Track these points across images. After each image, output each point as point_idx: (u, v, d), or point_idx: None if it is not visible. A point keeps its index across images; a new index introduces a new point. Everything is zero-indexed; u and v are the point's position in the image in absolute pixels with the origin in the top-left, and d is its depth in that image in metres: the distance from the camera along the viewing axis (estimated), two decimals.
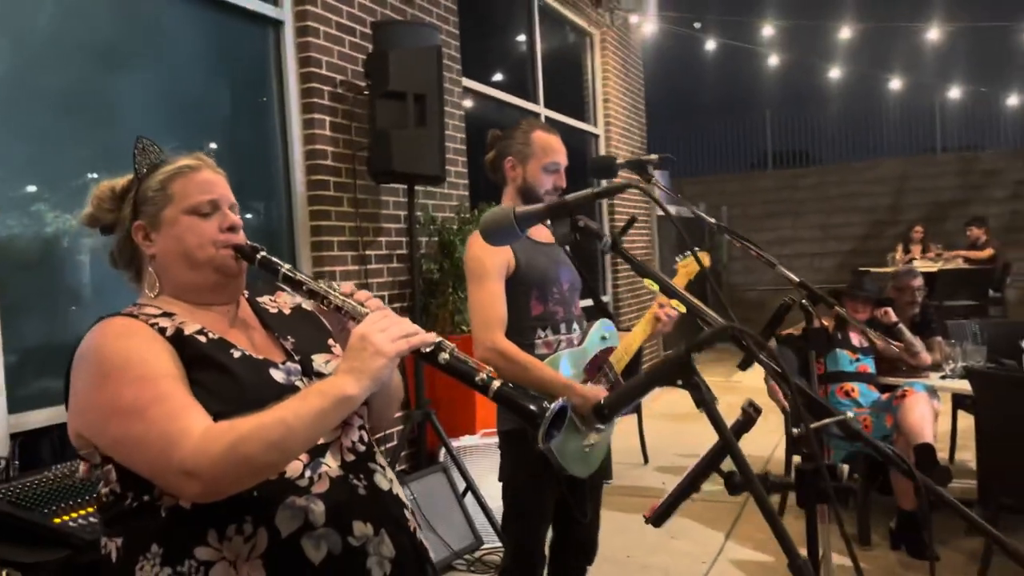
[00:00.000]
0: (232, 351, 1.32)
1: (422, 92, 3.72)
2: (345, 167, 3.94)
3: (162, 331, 1.28)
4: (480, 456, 4.01)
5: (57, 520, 2.09)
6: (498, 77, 6.43)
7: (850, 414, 3.46)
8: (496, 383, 1.22)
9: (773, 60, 8.39)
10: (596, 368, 2.36)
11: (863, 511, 3.83)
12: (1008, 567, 3.47)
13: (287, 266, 1.38)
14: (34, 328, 2.77)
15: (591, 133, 7.64)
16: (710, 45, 8.12)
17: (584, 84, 7.75)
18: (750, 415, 1.16)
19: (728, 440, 1.03)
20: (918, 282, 4.33)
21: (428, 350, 1.26)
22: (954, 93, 10.62)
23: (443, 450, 3.92)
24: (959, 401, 4.95)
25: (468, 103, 5.36)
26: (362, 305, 1.34)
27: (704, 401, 1.02)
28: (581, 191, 1.29)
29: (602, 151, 7.85)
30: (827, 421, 1.11)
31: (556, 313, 2.33)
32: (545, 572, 2.40)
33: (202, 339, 1.30)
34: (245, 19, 3.62)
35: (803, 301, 2.14)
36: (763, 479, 1.11)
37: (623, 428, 5.89)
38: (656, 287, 1.20)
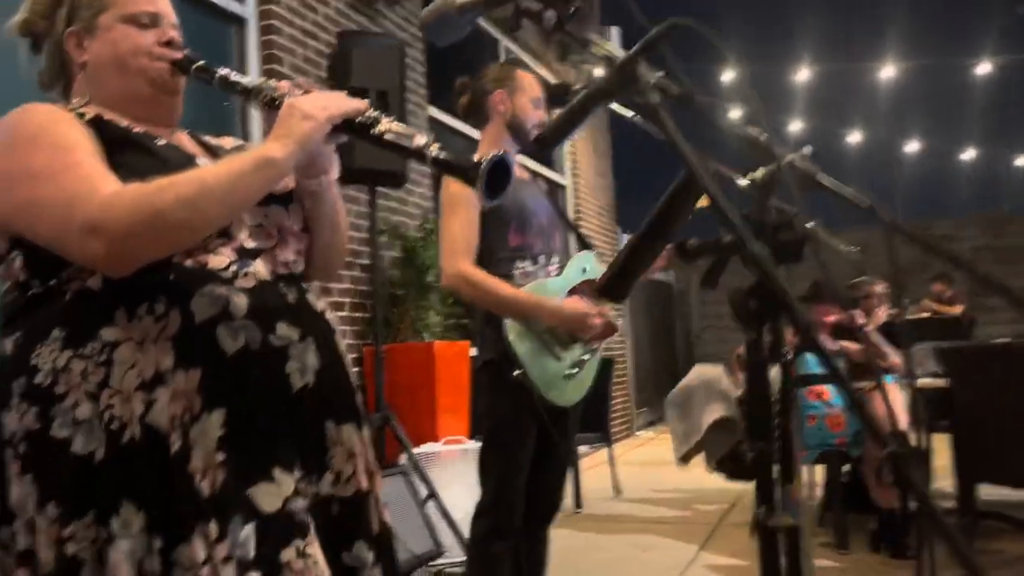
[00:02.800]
0: (157, 140, 1.24)
1: (384, 89, 3.71)
2: None
3: (81, 116, 1.20)
4: (443, 465, 3.83)
5: None
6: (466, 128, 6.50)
7: (824, 412, 3.36)
8: (433, 148, 1.15)
9: (737, 113, 8.56)
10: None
11: (839, 513, 3.70)
12: (988, 565, 3.33)
13: (224, 70, 1.32)
14: None
15: (559, 184, 7.72)
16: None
17: None
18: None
19: (692, 166, 0.96)
20: (879, 288, 4.32)
21: (362, 121, 1.19)
22: (912, 147, 10.94)
23: (404, 456, 3.74)
24: (930, 425, 4.88)
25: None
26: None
27: (650, 107, 0.95)
28: None
29: (570, 202, 7.92)
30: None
31: (534, 245, 2.26)
32: None
33: (125, 126, 1.23)
34: (208, 13, 3.63)
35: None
36: None
37: (595, 471, 5.71)
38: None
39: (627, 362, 9.03)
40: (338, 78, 3.75)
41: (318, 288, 1.35)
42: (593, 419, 5.14)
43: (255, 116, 3.74)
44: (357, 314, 4.14)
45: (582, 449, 6.91)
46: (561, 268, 2.28)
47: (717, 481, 5.33)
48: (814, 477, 3.98)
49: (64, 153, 1.12)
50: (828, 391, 3.93)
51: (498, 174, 1.14)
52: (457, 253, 2.13)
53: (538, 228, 2.26)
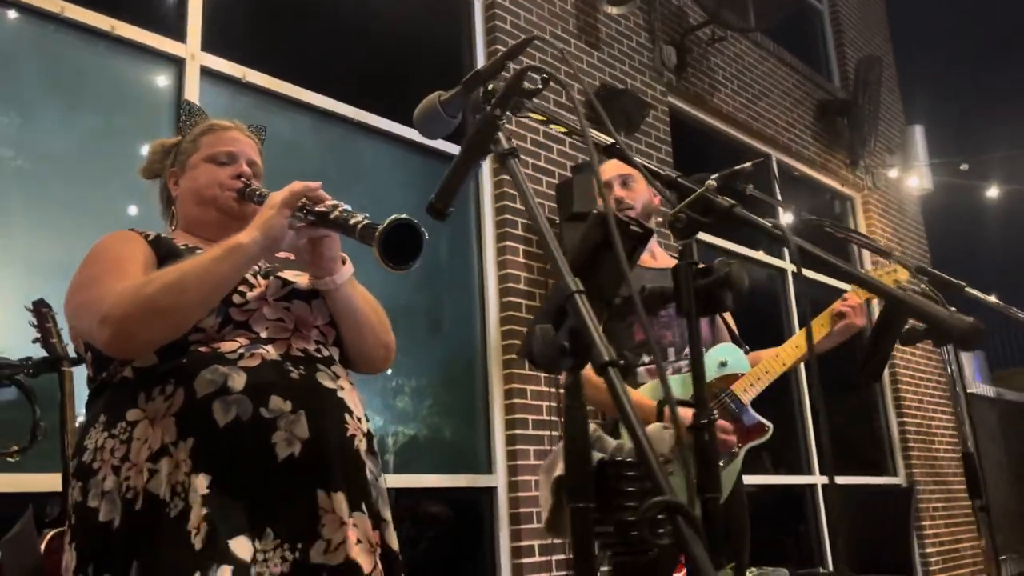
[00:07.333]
0: (197, 250, 1.44)
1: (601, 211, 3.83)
2: (539, 292, 4.08)
3: (146, 236, 1.45)
4: None
5: None
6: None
7: None
8: (362, 224, 1.21)
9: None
10: (711, 397, 2.08)
11: None
12: None
13: (265, 190, 1.50)
14: None
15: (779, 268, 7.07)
16: (992, 192, 7.23)
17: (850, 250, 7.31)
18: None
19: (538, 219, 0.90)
20: None
21: (320, 209, 1.29)
22: None
23: None
24: None
25: None
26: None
27: (508, 154, 0.93)
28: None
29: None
30: None
31: (663, 338, 2.14)
32: None
33: (179, 244, 1.45)
34: (447, 162, 4.08)
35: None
36: None
37: None
38: None
39: (981, 497, 7.65)
40: (562, 205, 3.98)
41: (345, 375, 1.43)
42: (887, 555, 4.42)
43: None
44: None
45: None
46: None
47: None
48: None
49: (114, 263, 1.36)
50: None
51: (406, 240, 1.16)
52: None
53: (667, 319, 2.13)
